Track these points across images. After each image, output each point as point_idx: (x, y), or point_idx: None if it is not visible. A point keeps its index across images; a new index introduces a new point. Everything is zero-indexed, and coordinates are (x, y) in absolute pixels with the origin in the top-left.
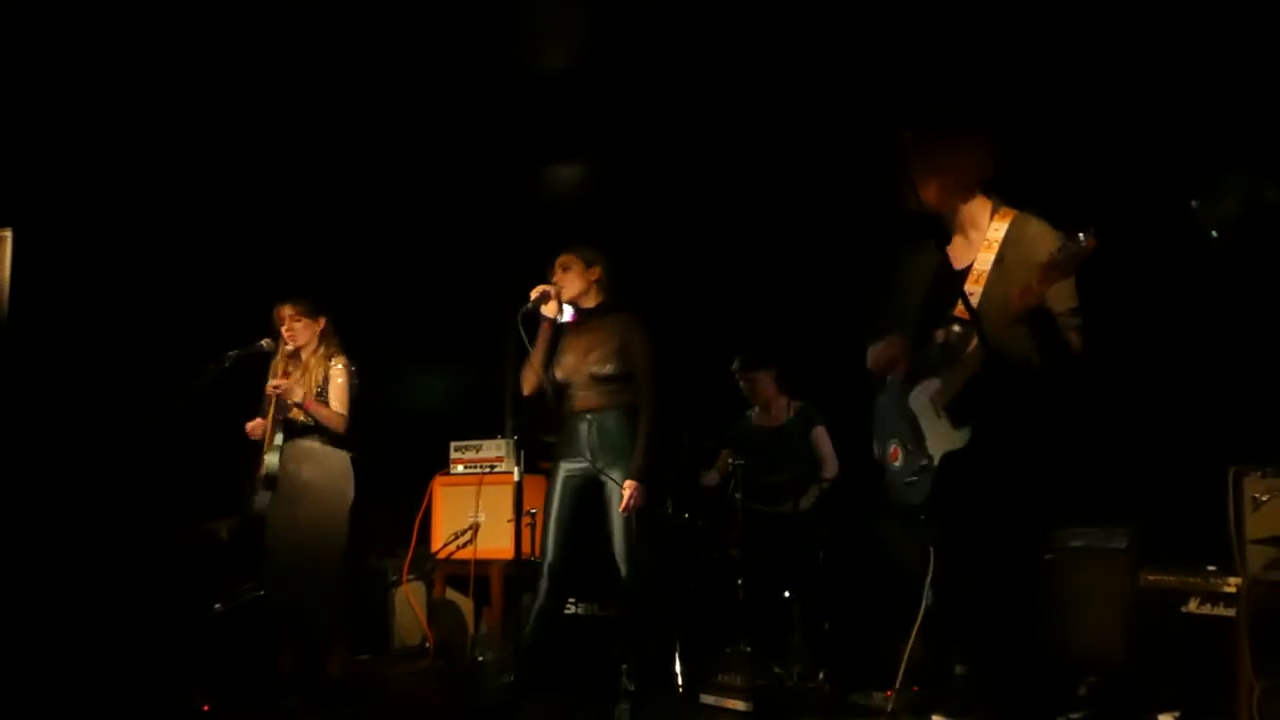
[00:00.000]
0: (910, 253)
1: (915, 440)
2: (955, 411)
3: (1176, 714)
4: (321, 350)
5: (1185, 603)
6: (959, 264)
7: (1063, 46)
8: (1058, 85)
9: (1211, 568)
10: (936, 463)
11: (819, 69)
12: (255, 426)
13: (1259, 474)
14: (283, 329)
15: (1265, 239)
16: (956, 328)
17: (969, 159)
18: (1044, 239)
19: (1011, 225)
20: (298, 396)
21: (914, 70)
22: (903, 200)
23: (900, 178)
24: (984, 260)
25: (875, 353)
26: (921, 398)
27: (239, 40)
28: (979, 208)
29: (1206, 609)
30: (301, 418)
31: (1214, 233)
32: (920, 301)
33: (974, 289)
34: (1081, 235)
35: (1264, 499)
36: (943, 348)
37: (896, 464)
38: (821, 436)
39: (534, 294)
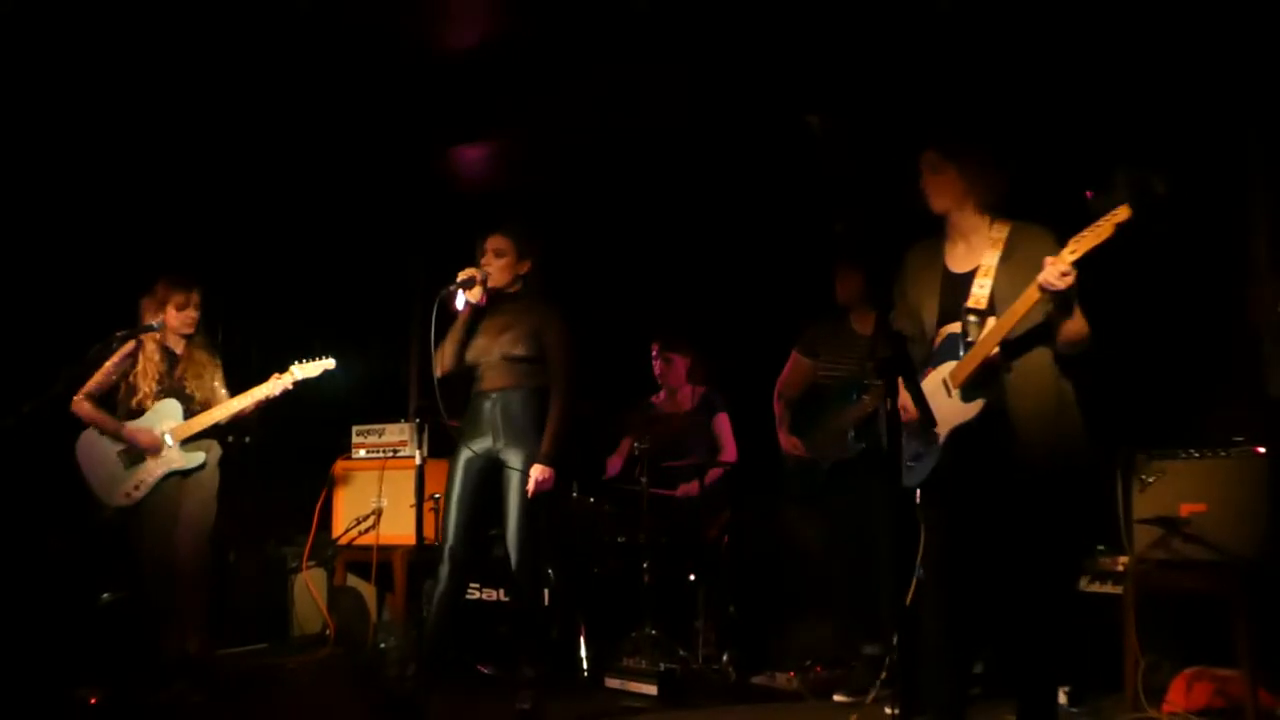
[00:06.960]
0: (916, 255)
1: (922, 423)
2: (969, 389)
3: (1068, 688)
4: (203, 343)
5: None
6: (961, 267)
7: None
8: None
9: (1101, 547)
10: (943, 440)
11: (744, 60)
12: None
13: (1145, 456)
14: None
15: (1154, 228)
16: (972, 318)
17: (992, 180)
18: (1045, 241)
19: (1013, 230)
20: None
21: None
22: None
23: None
24: (991, 257)
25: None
26: (935, 380)
27: (137, 16)
28: (977, 217)
29: (1096, 586)
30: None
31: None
32: (929, 301)
33: (984, 281)
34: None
35: (1150, 480)
36: (961, 337)
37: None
38: (722, 423)
39: (460, 277)
